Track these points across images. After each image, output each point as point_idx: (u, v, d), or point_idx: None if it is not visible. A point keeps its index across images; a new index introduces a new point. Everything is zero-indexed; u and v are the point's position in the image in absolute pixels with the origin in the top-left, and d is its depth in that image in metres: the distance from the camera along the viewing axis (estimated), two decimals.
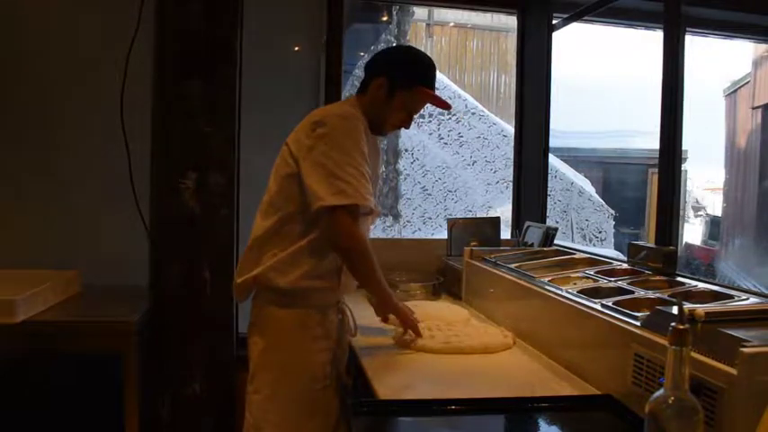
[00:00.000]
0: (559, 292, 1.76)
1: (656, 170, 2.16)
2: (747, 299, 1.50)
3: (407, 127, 1.82)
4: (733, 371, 1.07)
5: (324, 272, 1.67)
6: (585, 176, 6.28)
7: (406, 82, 1.73)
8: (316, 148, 1.60)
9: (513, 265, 2.19)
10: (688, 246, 6.13)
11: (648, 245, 2.02)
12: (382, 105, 1.73)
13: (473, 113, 5.52)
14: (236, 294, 1.77)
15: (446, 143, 5.50)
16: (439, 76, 5.56)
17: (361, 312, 1.93)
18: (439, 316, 2.07)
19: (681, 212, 2.18)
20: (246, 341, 1.76)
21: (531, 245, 2.68)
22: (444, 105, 1.83)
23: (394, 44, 1.85)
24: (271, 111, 2.82)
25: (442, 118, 5.42)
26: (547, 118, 3.04)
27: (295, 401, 1.66)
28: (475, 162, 5.67)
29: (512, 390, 1.52)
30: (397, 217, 4.64)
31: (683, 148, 2.15)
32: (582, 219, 5.90)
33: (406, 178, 5.08)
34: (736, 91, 5.56)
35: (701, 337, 1.15)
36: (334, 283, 1.70)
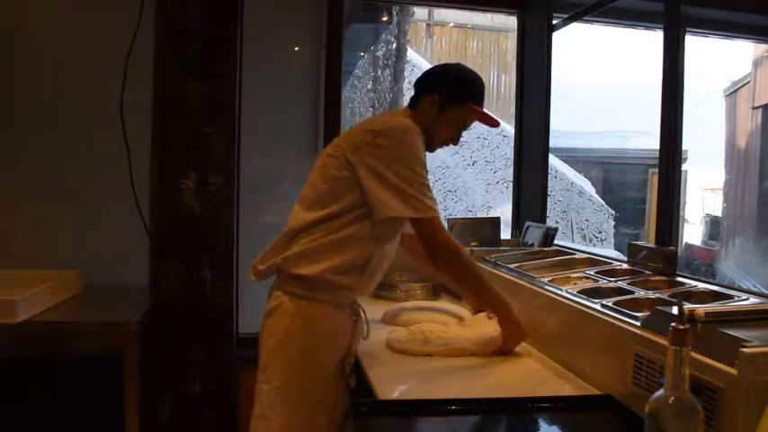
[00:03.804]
0: (559, 292, 1.76)
1: (656, 170, 2.16)
2: (747, 299, 1.50)
3: (456, 143, 1.86)
4: (733, 371, 1.07)
5: (348, 269, 1.69)
6: (585, 177, 6.28)
7: (457, 99, 1.78)
8: (378, 159, 1.63)
9: (513, 266, 2.19)
10: (688, 246, 6.13)
11: (648, 245, 2.02)
12: (432, 121, 1.78)
13: None
14: (253, 275, 1.75)
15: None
16: None
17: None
18: (438, 317, 2.08)
19: (681, 213, 2.19)
20: (260, 330, 1.74)
21: (531, 245, 2.69)
22: (493, 123, 1.86)
23: (445, 62, 1.90)
24: (271, 111, 2.82)
25: None
26: (547, 118, 3.04)
27: (302, 395, 1.66)
28: (475, 162, 5.68)
29: (512, 390, 1.52)
30: None
31: (683, 148, 2.15)
32: (582, 219, 5.90)
33: None
34: (736, 91, 5.56)
35: (701, 337, 1.15)
36: (355, 280, 1.72)
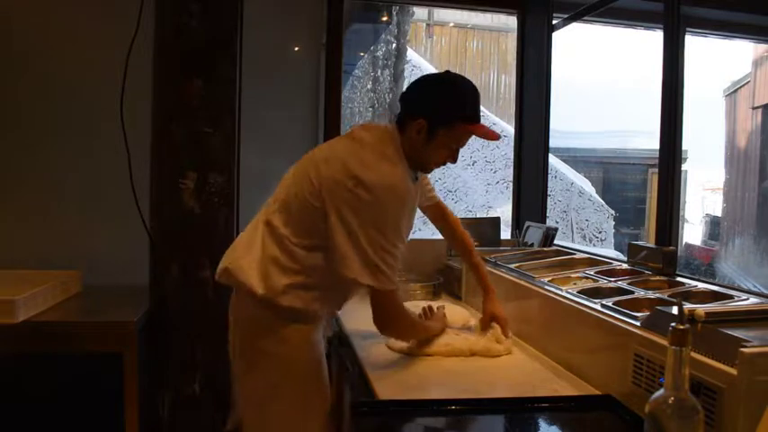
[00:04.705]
0: (559, 292, 1.76)
1: (656, 170, 2.17)
2: (747, 299, 1.50)
3: (454, 162, 1.71)
4: (733, 371, 1.07)
5: (331, 300, 1.72)
6: (585, 177, 6.28)
7: (446, 121, 1.62)
8: (353, 212, 1.53)
9: (513, 266, 2.19)
10: (688, 246, 6.12)
11: (648, 245, 2.02)
12: (424, 147, 1.63)
13: None
14: (223, 278, 1.71)
15: None
16: None
17: (362, 313, 1.93)
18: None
19: (681, 213, 2.19)
20: (255, 346, 1.69)
21: (531, 245, 2.69)
22: (492, 136, 1.68)
23: (430, 72, 1.76)
24: (271, 111, 2.82)
25: None
26: (547, 118, 3.05)
27: (320, 402, 1.70)
28: (475, 162, 5.67)
29: (512, 390, 1.52)
30: None
31: (683, 148, 2.16)
32: (582, 219, 5.90)
33: None
34: (736, 91, 5.55)
35: (701, 337, 1.15)
36: (338, 306, 1.80)
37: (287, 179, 1.72)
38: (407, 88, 1.73)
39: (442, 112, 1.62)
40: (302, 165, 1.70)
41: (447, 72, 1.71)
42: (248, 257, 1.65)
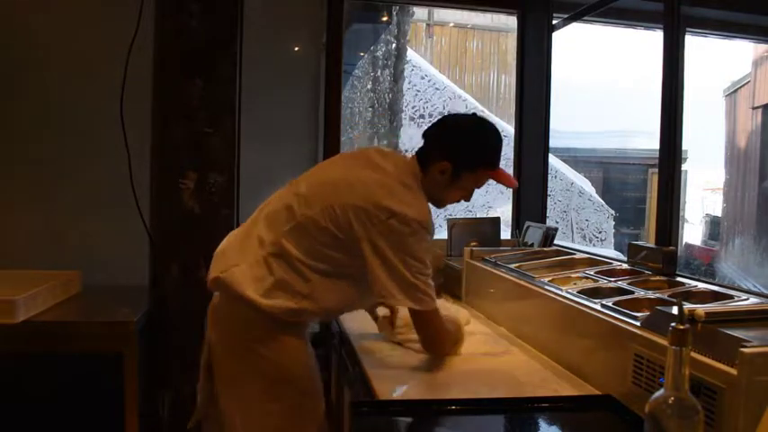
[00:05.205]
0: (559, 292, 1.76)
1: (656, 170, 2.17)
2: (747, 299, 1.50)
3: (468, 200, 1.77)
4: (733, 371, 1.07)
5: (330, 314, 1.80)
6: (585, 177, 6.28)
7: (470, 167, 1.68)
8: (387, 242, 1.55)
9: (513, 266, 2.19)
10: (688, 246, 6.13)
11: (648, 245, 2.02)
12: (444, 187, 1.69)
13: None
14: (211, 287, 1.73)
15: None
16: (439, 76, 5.58)
17: (361, 313, 1.93)
18: None
19: (681, 213, 2.19)
20: (246, 352, 1.66)
21: (531, 245, 2.69)
22: (510, 183, 1.75)
23: (459, 112, 1.78)
24: (271, 111, 2.83)
25: None
26: (547, 118, 3.05)
27: (317, 402, 1.71)
28: None
29: (512, 390, 1.52)
30: None
31: (683, 148, 2.16)
32: (582, 219, 5.91)
33: None
34: (736, 91, 5.55)
35: (701, 337, 1.15)
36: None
37: (297, 196, 1.66)
38: (435, 126, 1.74)
39: (469, 158, 1.68)
40: (316, 186, 1.67)
41: (475, 116, 1.76)
42: (242, 265, 1.64)
